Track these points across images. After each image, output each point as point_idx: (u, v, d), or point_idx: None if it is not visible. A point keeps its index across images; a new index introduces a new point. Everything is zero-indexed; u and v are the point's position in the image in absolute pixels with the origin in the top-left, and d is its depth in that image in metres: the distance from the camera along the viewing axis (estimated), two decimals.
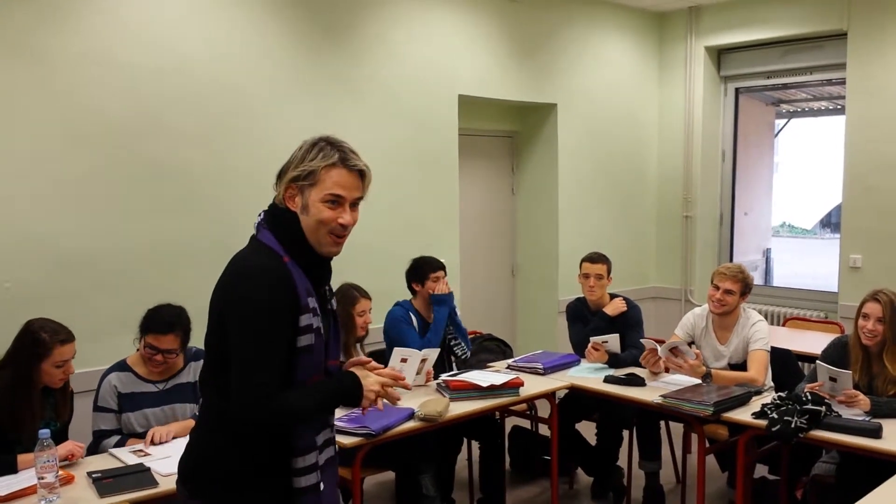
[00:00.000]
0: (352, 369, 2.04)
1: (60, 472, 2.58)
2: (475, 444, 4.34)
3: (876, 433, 3.10)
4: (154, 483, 2.67)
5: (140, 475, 2.73)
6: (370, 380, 2.00)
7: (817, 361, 3.50)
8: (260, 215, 2.00)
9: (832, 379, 3.33)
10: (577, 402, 4.26)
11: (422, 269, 4.23)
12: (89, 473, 2.73)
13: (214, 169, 4.19)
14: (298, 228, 1.93)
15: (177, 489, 2.08)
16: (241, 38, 4.30)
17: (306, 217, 1.92)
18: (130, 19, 3.90)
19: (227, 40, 4.24)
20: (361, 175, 1.95)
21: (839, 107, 6.75)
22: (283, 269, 1.89)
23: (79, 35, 3.74)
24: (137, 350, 3.28)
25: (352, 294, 3.85)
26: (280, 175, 1.96)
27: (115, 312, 3.81)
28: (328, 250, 1.96)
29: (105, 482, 2.66)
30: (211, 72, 4.18)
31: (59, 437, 2.97)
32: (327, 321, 2.02)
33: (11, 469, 2.73)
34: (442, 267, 4.27)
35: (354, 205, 1.96)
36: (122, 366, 3.27)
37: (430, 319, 4.19)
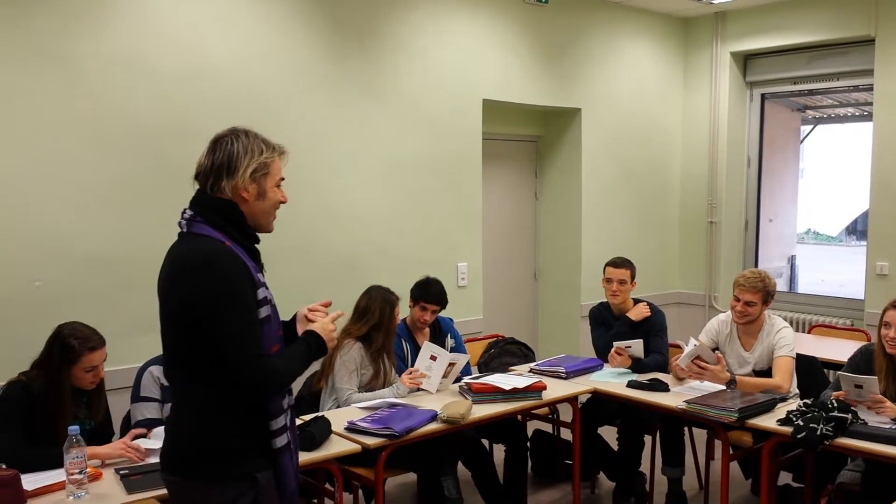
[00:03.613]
0: (299, 325, 2.29)
1: (88, 469, 2.62)
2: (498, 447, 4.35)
3: None
4: None
5: None
6: (319, 326, 2.23)
7: (839, 373, 3.47)
8: (185, 213, 2.13)
9: (857, 386, 3.31)
10: (600, 406, 4.25)
11: (414, 291, 4.13)
12: (117, 470, 2.77)
13: None
14: (241, 215, 2.11)
15: (166, 481, 2.18)
16: (268, 44, 4.34)
17: (262, 202, 2.13)
18: (158, 24, 3.96)
19: (253, 46, 4.29)
20: None
21: (866, 113, 6.69)
22: (232, 252, 2.05)
23: (106, 40, 3.81)
24: None
25: (392, 298, 3.85)
26: (221, 172, 2.09)
27: (144, 312, 3.79)
28: (272, 226, 2.20)
29: (133, 479, 2.69)
30: (237, 77, 4.23)
31: (95, 436, 3.02)
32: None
33: (59, 462, 2.69)
34: (440, 302, 4.08)
35: None
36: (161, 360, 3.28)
37: (419, 343, 4.08)
